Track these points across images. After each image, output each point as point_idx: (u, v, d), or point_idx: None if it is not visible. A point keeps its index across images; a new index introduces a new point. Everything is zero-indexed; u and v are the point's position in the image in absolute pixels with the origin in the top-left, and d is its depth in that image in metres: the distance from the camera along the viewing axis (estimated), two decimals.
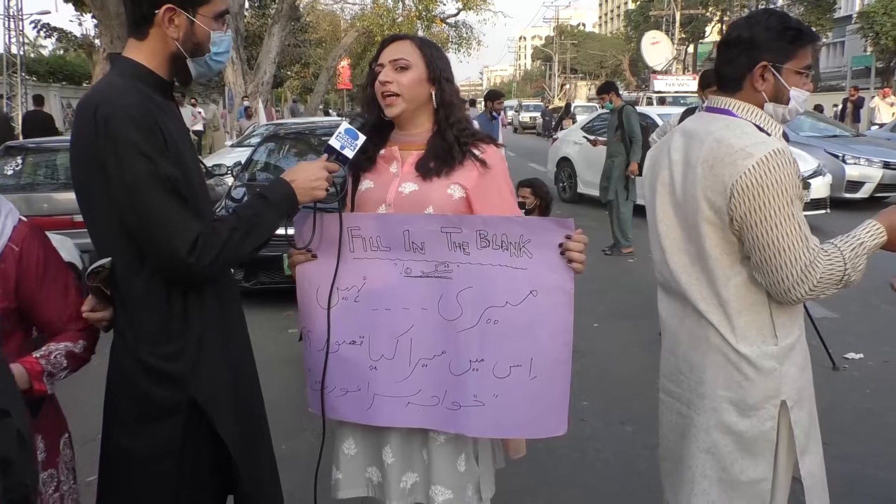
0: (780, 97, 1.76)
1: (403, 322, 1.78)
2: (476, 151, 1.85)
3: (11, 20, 19.95)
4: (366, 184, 1.91)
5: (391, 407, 1.80)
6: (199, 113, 17.62)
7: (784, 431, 1.76)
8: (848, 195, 10.09)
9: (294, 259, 1.88)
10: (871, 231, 1.70)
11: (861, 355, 4.62)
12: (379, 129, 1.92)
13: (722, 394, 1.77)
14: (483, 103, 9.07)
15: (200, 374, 1.60)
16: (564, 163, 11.63)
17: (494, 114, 8.53)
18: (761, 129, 1.73)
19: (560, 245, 1.71)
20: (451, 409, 1.77)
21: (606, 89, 8.07)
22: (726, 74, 1.79)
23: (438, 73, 1.85)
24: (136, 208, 1.47)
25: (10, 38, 19.71)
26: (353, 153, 1.76)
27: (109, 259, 1.54)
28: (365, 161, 1.90)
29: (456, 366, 1.76)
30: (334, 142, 1.75)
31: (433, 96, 1.86)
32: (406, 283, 1.78)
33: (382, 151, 1.91)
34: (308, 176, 1.69)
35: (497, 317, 1.73)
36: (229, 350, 1.69)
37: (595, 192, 9.29)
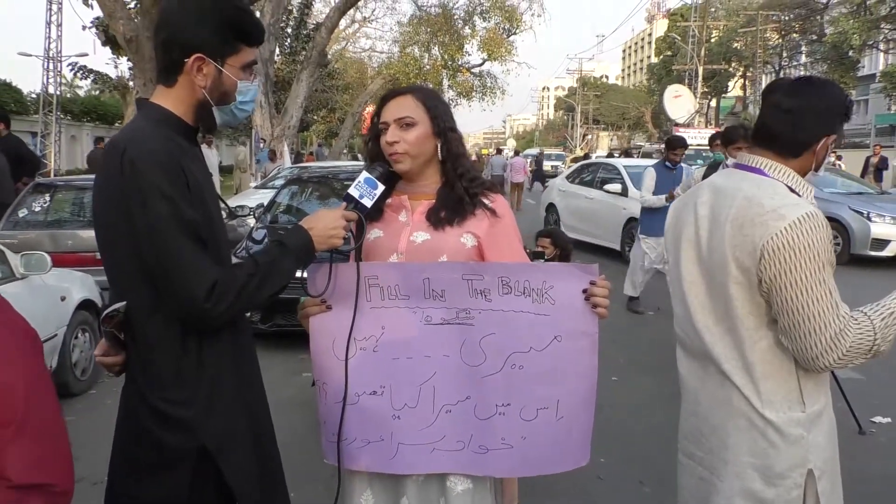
0: (819, 167, 1.78)
1: (426, 370, 1.77)
2: (486, 201, 1.86)
3: (51, 61, 20.62)
4: (374, 233, 1.90)
5: (416, 454, 1.79)
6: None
7: (811, 500, 1.70)
8: (873, 253, 9.95)
9: (307, 311, 1.85)
10: None
11: (889, 419, 4.48)
12: (386, 178, 1.93)
13: (746, 460, 1.72)
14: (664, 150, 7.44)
15: (212, 422, 1.58)
16: (552, 208, 12.68)
17: (668, 164, 7.11)
18: (793, 191, 1.71)
19: (584, 291, 1.72)
20: (479, 453, 1.77)
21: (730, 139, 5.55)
22: (789, 140, 1.75)
23: (443, 125, 1.87)
24: (156, 250, 1.48)
25: (48, 78, 20.36)
26: (372, 202, 1.78)
27: (124, 304, 1.55)
28: (372, 210, 1.90)
29: (482, 410, 1.76)
30: (353, 191, 1.77)
31: (439, 149, 1.88)
32: (427, 331, 1.77)
33: (390, 200, 1.91)
34: (327, 224, 1.70)
35: (522, 362, 1.74)
36: (244, 396, 1.67)
37: (577, 235, 10.30)
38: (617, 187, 10.70)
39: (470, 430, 1.77)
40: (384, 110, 1.89)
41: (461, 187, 1.85)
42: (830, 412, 1.77)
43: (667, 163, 7.12)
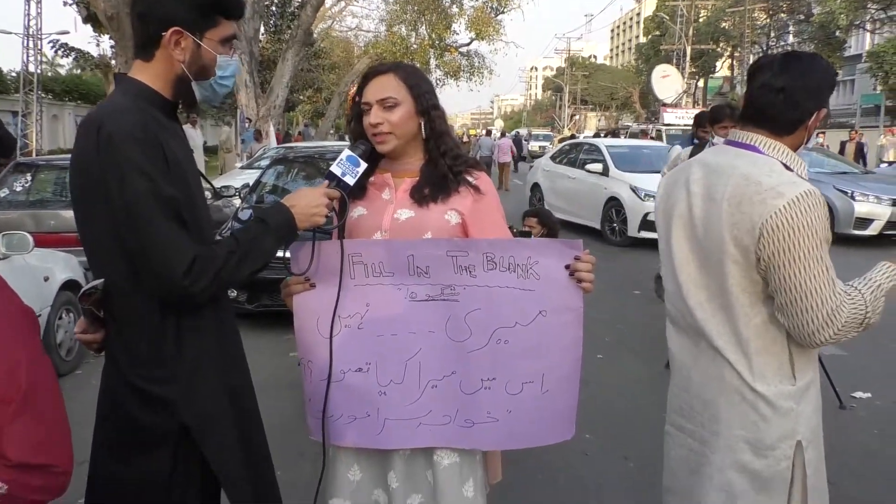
0: (809, 140, 1.79)
1: (411, 346, 1.78)
2: (469, 178, 1.86)
3: (30, 39, 20.27)
4: (358, 210, 1.90)
5: (402, 429, 1.80)
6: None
7: (798, 470, 1.74)
8: (857, 232, 10.05)
9: (290, 289, 1.84)
10: (886, 273, 1.71)
11: (869, 394, 4.54)
12: (369, 156, 1.91)
13: (738, 433, 1.74)
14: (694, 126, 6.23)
15: (194, 400, 1.57)
16: (536, 188, 13.04)
17: (696, 141, 6.06)
18: (787, 168, 1.72)
19: (567, 266, 1.73)
20: (464, 427, 1.79)
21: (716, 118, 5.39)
22: (782, 118, 1.75)
23: (426, 104, 1.86)
24: (133, 228, 1.46)
25: (28, 56, 20.02)
26: (354, 180, 1.77)
27: (102, 281, 1.53)
28: (356, 189, 1.89)
29: (467, 385, 1.78)
30: (336, 168, 1.76)
31: (422, 128, 1.87)
32: (411, 308, 1.77)
33: (373, 178, 1.90)
34: (309, 202, 1.68)
35: (507, 337, 1.75)
36: (226, 375, 1.66)
37: (559, 215, 10.24)
38: (598, 167, 10.95)
39: (456, 404, 1.78)
40: (366, 90, 1.87)
41: (444, 165, 1.85)
42: (817, 383, 1.80)
43: (695, 140, 6.14)
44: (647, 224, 9.62)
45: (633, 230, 9.89)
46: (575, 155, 12.11)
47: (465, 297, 1.76)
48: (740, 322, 1.71)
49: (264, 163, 10.83)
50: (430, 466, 1.84)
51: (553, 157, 13.07)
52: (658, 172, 10.64)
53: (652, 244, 9.81)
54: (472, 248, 1.75)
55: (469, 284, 1.75)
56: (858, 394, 4.54)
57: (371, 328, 1.80)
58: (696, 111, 28.91)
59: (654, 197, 9.75)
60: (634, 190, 10.07)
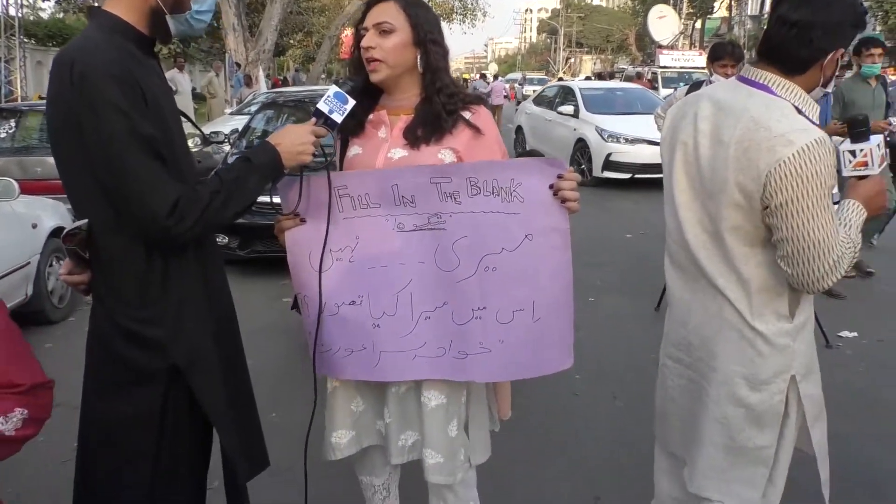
0: (828, 83, 1.71)
1: (401, 277, 1.78)
2: (466, 115, 1.82)
3: None
4: (354, 149, 1.88)
5: (398, 361, 1.81)
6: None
7: (793, 404, 1.77)
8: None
9: (282, 225, 1.84)
10: (853, 209, 1.72)
11: (855, 334, 4.61)
12: (368, 93, 1.88)
13: (735, 368, 1.76)
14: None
15: (181, 340, 1.57)
16: (520, 130, 13.60)
17: (713, 82, 4.82)
18: (800, 112, 1.66)
19: (551, 186, 1.69)
20: (458, 358, 1.79)
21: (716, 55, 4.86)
22: (793, 55, 1.66)
23: (424, 35, 1.80)
24: (112, 168, 1.43)
25: (8, 0, 19.47)
26: (342, 117, 1.72)
27: (86, 221, 1.51)
28: (354, 126, 1.87)
29: (459, 316, 1.77)
30: (322, 105, 1.71)
31: (418, 60, 1.82)
32: (400, 238, 1.77)
33: (371, 116, 1.87)
34: (294, 140, 1.65)
35: (495, 264, 1.73)
36: (212, 315, 1.66)
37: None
38: (570, 109, 11.22)
39: (449, 335, 1.79)
40: (367, 16, 1.82)
41: (439, 103, 1.80)
42: (812, 320, 1.82)
43: (711, 80, 4.96)
44: (609, 164, 10.01)
45: (597, 170, 10.17)
46: (553, 97, 12.45)
47: (451, 225, 1.74)
48: (739, 262, 1.71)
49: (254, 108, 10.68)
50: (419, 409, 1.87)
51: (535, 100, 13.55)
52: (632, 114, 10.93)
53: (646, 188, 9.82)
54: (456, 174, 1.72)
55: (455, 212, 1.73)
56: (845, 333, 4.61)
57: (362, 261, 1.80)
58: (694, 53, 28.34)
59: (618, 139, 10.05)
60: (599, 131, 10.34)
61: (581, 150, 10.65)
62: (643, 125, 10.31)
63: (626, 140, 10.07)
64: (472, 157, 1.80)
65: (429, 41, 1.81)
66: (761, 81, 1.69)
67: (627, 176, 9.85)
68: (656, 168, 10.54)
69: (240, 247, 5.77)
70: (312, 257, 1.81)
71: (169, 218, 1.44)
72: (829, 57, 1.65)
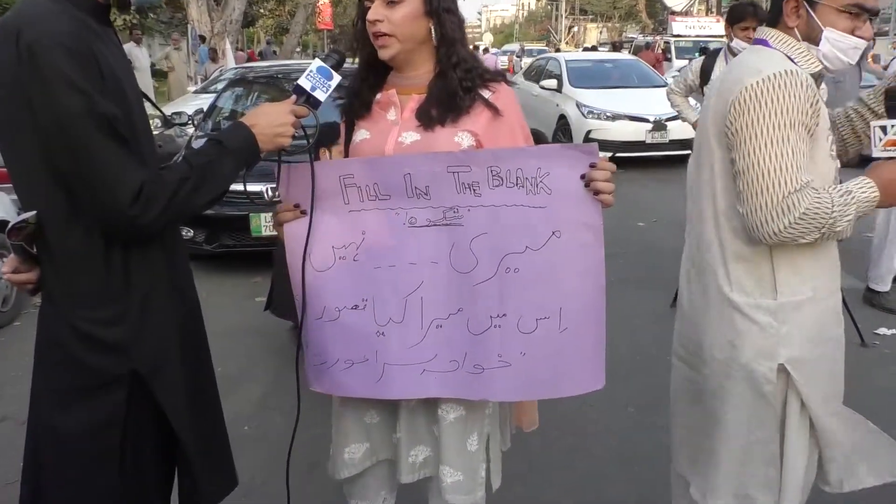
0: (812, 36, 1.77)
1: (411, 279, 1.76)
2: (485, 93, 1.80)
3: None
4: (361, 134, 1.86)
5: (405, 376, 1.79)
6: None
7: (793, 404, 1.80)
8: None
9: (280, 217, 1.82)
10: (860, 184, 1.74)
11: (893, 331, 4.64)
12: (375, 70, 1.86)
13: (717, 356, 1.83)
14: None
15: (144, 342, 1.57)
16: None
17: (733, 49, 4.80)
18: (790, 60, 1.76)
19: (583, 177, 1.68)
20: (474, 373, 1.77)
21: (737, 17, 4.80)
22: (771, 7, 1.86)
23: (436, 3, 1.77)
24: (68, 153, 1.42)
25: None
26: (326, 95, 1.71)
27: (34, 213, 1.50)
28: (360, 107, 1.85)
29: (475, 324, 1.75)
30: (304, 82, 1.69)
31: (432, 32, 1.79)
32: (411, 235, 1.75)
33: (379, 96, 1.85)
34: (271, 120, 1.64)
35: (517, 265, 1.71)
36: (177, 315, 1.66)
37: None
38: (553, 83, 11.43)
39: (464, 347, 1.76)
40: None
41: (455, 78, 1.77)
42: (823, 314, 1.83)
43: (732, 45, 4.82)
44: (589, 143, 10.04)
45: None
46: (540, 70, 12.68)
47: (469, 221, 1.72)
48: (721, 222, 1.79)
49: (220, 86, 10.63)
50: (436, 422, 1.86)
51: (524, 74, 13.73)
52: (624, 88, 11.21)
53: (653, 169, 9.84)
54: (476, 162, 1.70)
55: (474, 205, 1.71)
56: (882, 330, 4.64)
57: (367, 259, 1.78)
58: (710, 20, 28.33)
59: (598, 115, 10.25)
60: (579, 107, 10.51)
61: (563, 127, 10.83)
62: (630, 100, 10.54)
63: (607, 116, 10.25)
64: (491, 141, 1.78)
65: (442, 10, 1.78)
66: (762, 37, 1.83)
67: (608, 154, 9.94)
68: (638, 146, 10.61)
69: (206, 240, 5.77)
70: (313, 255, 1.80)
71: (133, 207, 1.43)
72: (785, 5, 1.79)
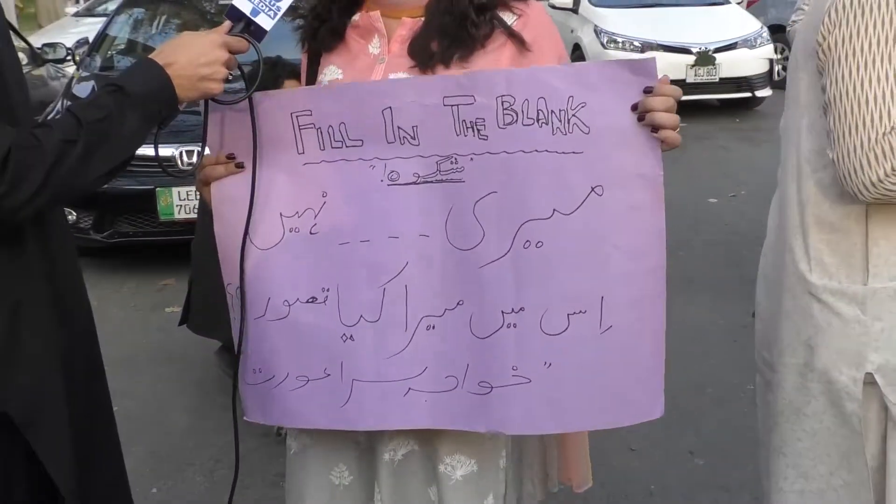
0: None
1: (392, 259, 1.75)
2: (507, 18, 1.80)
3: None
4: (330, 72, 1.88)
5: (382, 399, 1.77)
6: None
7: (873, 426, 1.83)
8: None
9: (207, 173, 1.83)
10: None
11: None
12: None
13: (789, 361, 1.88)
14: None
15: (15, 375, 1.59)
16: None
17: None
18: None
19: (634, 108, 1.64)
20: (479, 394, 1.74)
21: None
22: None
23: None
24: None
25: None
26: (274, 22, 1.72)
27: None
28: (328, 35, 1.87)
29: (481, 324, 1.74)
30: (242, 2, 1.70)
31: None
32: (392, 197, 1.74)
33: (357, 18, 1.87)
34: (195, 57, 1.64)
35: (541, 235, 1.69)
36: (62, 334, 1.69)
37: None
38: (567, 1, 11.56)
39: (465, 356, 1.75)
40: None
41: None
42: None
43: None
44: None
45: None
46: None
47: (472, 175, 1.70)
48: (803, 179, 1.83)
49: (111, 6, 10.63)
50: (435, 482, 1.86)
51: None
52: (664, 6, 11.31)
53: (728, 114, 9.85)
54: (482, 89, 1.66)
55: (478, 152, 1.69)
56: None
57: (330, 232, 1.77)
58: None
59: (620, 43, 10.40)
60: (597, 33, 10.63)
61: (578, 60, 10.84)
62: (668, 23, 10.63)
63: (634, 46, 10.35)
64: None
65: None
66: None
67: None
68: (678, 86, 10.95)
69: (95, 227, 5.78)
70: (252, 226, 1.80)
71: None
72: None
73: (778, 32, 11.86)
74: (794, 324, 1.85)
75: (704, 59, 10.19)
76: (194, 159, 5.25)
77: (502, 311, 1.72)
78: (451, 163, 1.70)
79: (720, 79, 10.23)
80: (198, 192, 4.84)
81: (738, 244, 6.10)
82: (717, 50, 10.12)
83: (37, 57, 7.98)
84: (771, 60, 10.86)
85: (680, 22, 10.65)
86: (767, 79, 10.67)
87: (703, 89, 10.25)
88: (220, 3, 7.09)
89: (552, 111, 1.64)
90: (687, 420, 4.01)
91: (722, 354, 4.64)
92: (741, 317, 4.96)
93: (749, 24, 11.21)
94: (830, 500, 1.86)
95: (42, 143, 1.50)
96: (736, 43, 10.60)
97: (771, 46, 10.97)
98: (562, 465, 2.09)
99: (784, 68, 12.62)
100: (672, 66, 9.98)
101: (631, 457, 3.70)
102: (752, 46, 10.72)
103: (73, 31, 10.80)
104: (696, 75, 10.20)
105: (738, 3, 13.45)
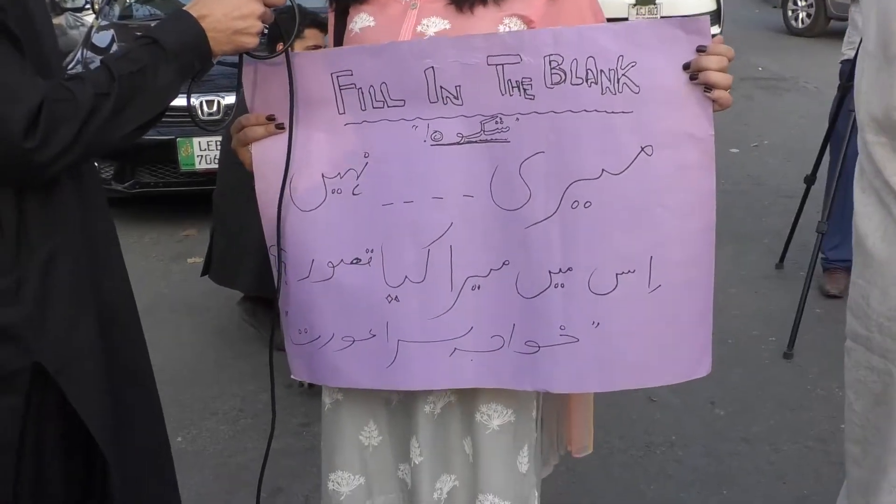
0: None
1: (436, 220, 1.76)
2: None
3: None
4: (362, 20, 1.87)
5: (428, 359, 1.79)
6: None
7: None
8: None
9: (246, 134, 1.83)
10: None
11: None
12: None
13: None
14: None
15: (49, 327, 1.60)
16: None
17: None
18: None
19: (686, 67, 1.64)
20: (526, 353, 1.77)
21: None
22: None
23: None
24: None
25: None
26: None
27: None
28: None
29: (527, 283, 1.75)
30: None
31: None
32: (436, 157, 1.75)
33: None
34: (230, 9, 1.63)
35: (589, 196, 1.70)
36: (96, 287, 1.70)
37: None
38: None
39: (512, 316, 1.77)
40: None
41: None
42: None
43: None
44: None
45: None
46: None
47: (518, 135, 1.70)
48: None
49: None
50: (470, 432, 1.88)
51: None
52: None
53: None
54: (528, 48, 1.66)
55: (524, 112, 1.69)
56: None
57: (373, 193, 1.78)
58: None
59: None
60: None
61: None
62: None
63: None
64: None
65: None
66: None
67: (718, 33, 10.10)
68: None
69: (116, 177, 5.81)
70: (295, 186, 1.81)
71: (29, 136, 1.44)
72: None
73: None
74: None
75: None
76: (214, 108, 5.33)
77: (549, 272, 1.73)
78: (496, 122, 1.70)
79: (661, 17, 10.36)
80: (218, 143, 4.95)
81: (760, 194, 6.11)
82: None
83: (55, 5, 7.96)
84: (718, 0, 11.19)
85: None
86: (716, 17, 10.90)
87: None
88: None
89: (601, 70, 1.64)
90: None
91: (743, 306, 4.64)
92: (764, 267, 5.01)
93: None
94: None
95: (75, 96, 1.49)
96: None
97: None
98: (563, 431, 2.12)
99: (808, 15, 12.57)
100: (614, 6, 10.02)
101: (652, 408, 3.72)
102: None
103: None
104: (637, 13, 10.53)
105: None
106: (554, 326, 1.74)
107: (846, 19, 4.88)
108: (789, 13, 13.06)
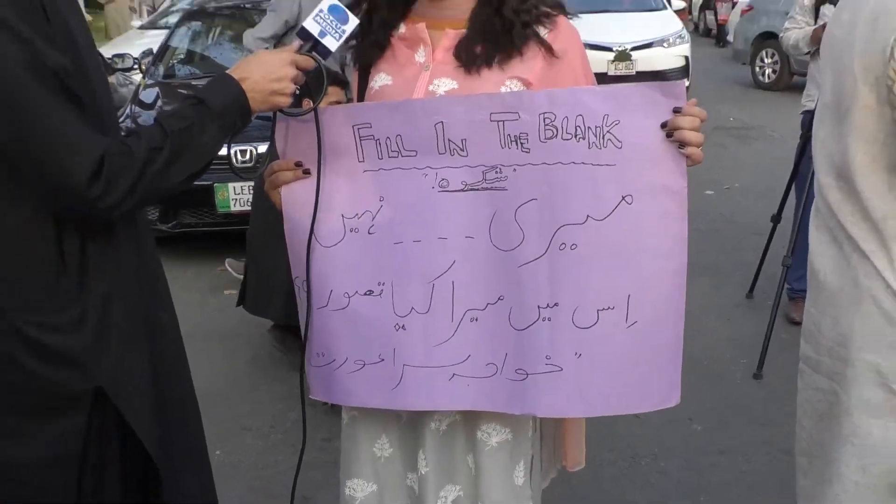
0: None
1: (441, 258, 1.78)
2: (541, 30, 1.80)
3: None
4: (381, 78, 1.88)
5: (428, 383, 1.80)
6: None
7: None
8: None
9: (277, 178, 1.85)
10: None
11: None
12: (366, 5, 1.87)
13: (869, 358, 1.77)
14: None
15: (108, 354, 1.61)
16: None
17: None
18: None
19: (664, 125, 1.66)
20: (515, 380, 1.77)
21: None
22: None
23: None
24: (8, 116, 1.43)
25: None
26: (339, 44, 1.73)
27: None
28: (374, 47, 1.87)
29: (519, 316, 1.76)
30: (311, 25, 1.71)
31: None
32: (442, 202, 1.76)
33: (403, 30, 1.86)
34: (268, 73, 1.66)
35: (575, 239, 1.71)
36: (150, 320, 1.71)
37: None
38: None
39: (505, 345, 1.77)
40: None
41: (510, 10, 1.77)
42: None
43: None
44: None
45: None
46: None
47: (515, 184, 1.72)
48: (873, 194, 1.73)
49: (173, 19, 10.67)
50: (472, 448, 1.88)
51: None
52: (625, 12, 12.06)
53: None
54: (526, 107, 1.69)
55: (521, 164, 1.71)
56: None
57: (386, 232, 1.80)
58: None
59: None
60: None
61: None
62: (602, 26, 10.92)
63: None
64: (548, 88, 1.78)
65: None
66: None
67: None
68: (599, 79, 10.76)
69: (161, 218, 5.85)
70: (318, 225, 1.82)
71: (93, 185, 1.45)
72: None
73: (769, 39, 12.23)
74: (876, 328, 1.76)
75: (622, 56, 11.22)
76: (247, 157, 5.41)
77: (538, 306, 1.74)
78: (496, 172, 1.73)
79: (637, 72, 11.12)
80: (251, 188, 4.98)
81: (732, 232, 6.12)
82: (635, 48, 11.17)
83: (107, 66, 8.02)
84: (686, 57, 11.69)
85: (607, 26, 11.27)
86: (683, 72, 11.39)
87: (623, 81, 10.64)
88: (301, 26, 7.10)
89: (589, 127, 1.67)
90: (685, 390, 3.97)
91: (718, 332, 4.65)
92: (735, 298, 5.03)
93: (670, 27, 12.02)
94: (875, 499, 1.82)
95: (132, 150, 1.51)
96: (652, 43, 11.48)
97: (687, 45, 11.85)
98: (560, 448, 2.11)
99: (774, 71, 12.65)
100: (594, 62, 9.97)
101: (635, 423, 3.70)
102: (669, 45, 11.59)
103: (138, 42, 10.84)
104: (615, 69, 11.09)
105: (681, 10, 14.80)
106: (541, 356, 1.75)
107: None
108: (757, 69, 13.16)
